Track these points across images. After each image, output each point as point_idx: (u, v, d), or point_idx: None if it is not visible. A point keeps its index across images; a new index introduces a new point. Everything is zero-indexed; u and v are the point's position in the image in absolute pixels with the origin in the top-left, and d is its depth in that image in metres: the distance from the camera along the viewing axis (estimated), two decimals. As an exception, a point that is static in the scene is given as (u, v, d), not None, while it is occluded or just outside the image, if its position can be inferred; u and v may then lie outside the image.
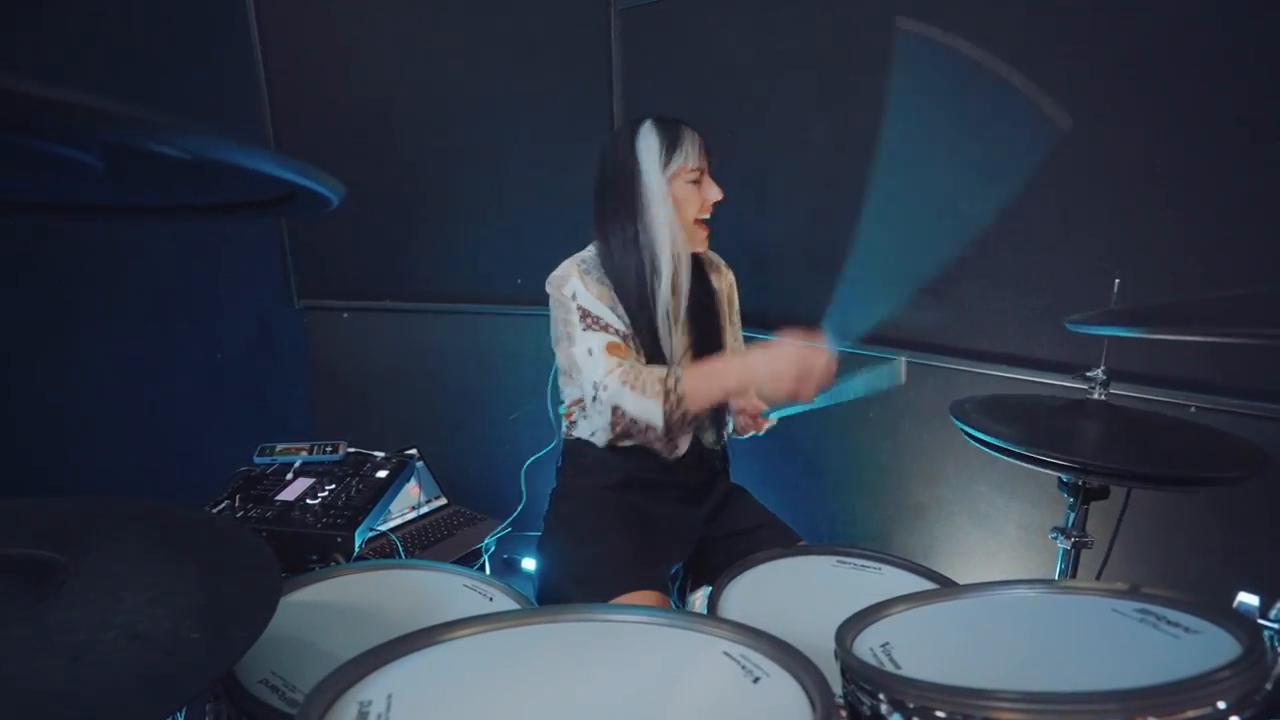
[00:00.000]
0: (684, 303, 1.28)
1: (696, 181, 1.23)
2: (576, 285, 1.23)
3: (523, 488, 1.55)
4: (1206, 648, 0.55)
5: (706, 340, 1.31)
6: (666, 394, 1.11)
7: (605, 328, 1.20)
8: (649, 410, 1.12)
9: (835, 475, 1.91)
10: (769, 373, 1.09)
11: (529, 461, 1.51)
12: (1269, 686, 0.54)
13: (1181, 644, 0.56)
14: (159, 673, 0.57)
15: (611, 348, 1.18)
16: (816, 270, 1.85)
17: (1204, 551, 1.38)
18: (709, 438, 1.32)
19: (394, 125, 2.12)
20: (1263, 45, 1.19)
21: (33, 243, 1.38)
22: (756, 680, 0.55)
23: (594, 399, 1.17)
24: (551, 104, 2.08)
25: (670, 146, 1.22)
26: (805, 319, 1.83)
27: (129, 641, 0.59)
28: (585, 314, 1.21)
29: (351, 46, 2.08)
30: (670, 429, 1.13)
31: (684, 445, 1.29)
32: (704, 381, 1.14)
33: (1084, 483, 1.05)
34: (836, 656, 0.61)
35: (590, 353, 1.18)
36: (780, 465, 1.96)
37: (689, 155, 1.22)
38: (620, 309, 1.23)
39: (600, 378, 1.15)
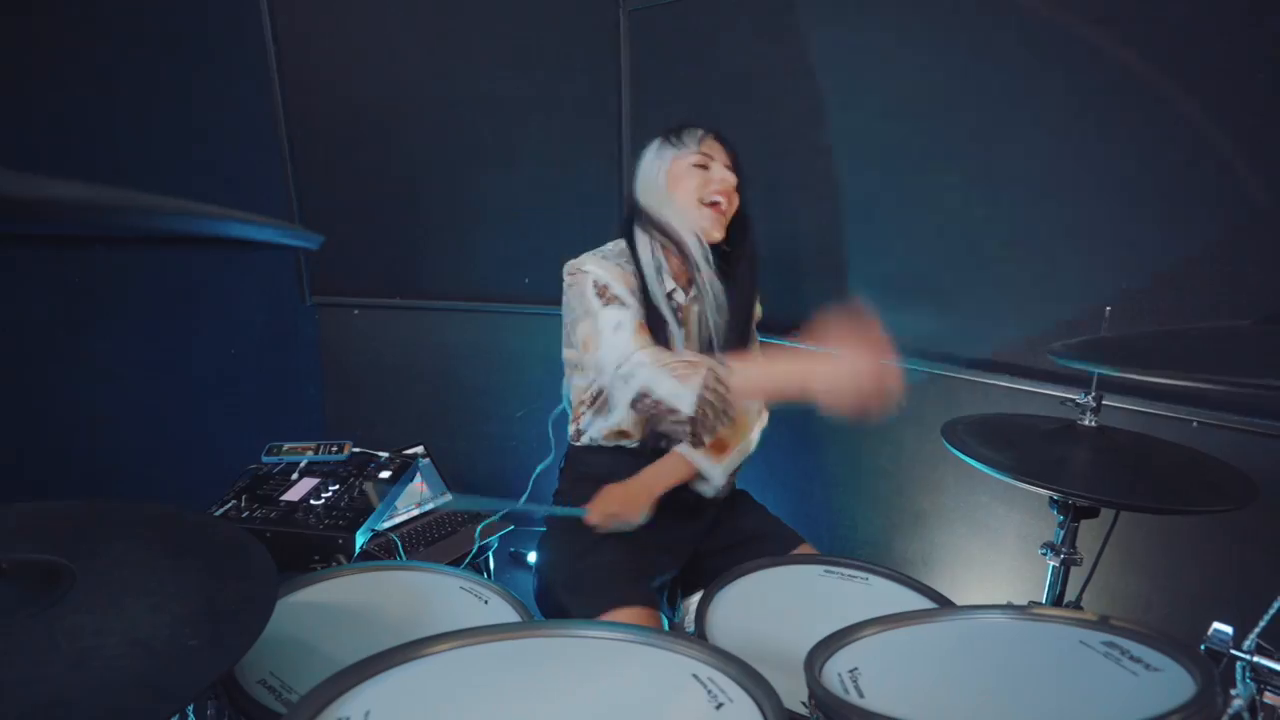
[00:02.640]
0: (700, 304, 1.26)
1: (701, 166, 1.24)
2: (593, 265, 1.21)
3: (529, 488, 1.57)
4: (1164, 687, 0.56)
5: (730, 340, 1.27)
6: (708, 377, 1.03)
7: (626, 305, 1.16)
8: (678, 394, 1.03)
9: (836, 480, 1.92)
10: (829, 384, 0.96)
11: (539, 468, 1.52)
12: (1224, 726, 0.55)
13: (1140, 682, 0.57)
14: (157, 679, 0.60)
15: (640, 327, 1.14)
16: (821, 275, 1.85)
17: (1199, 565, 1.37)
18: (708, 490, 1.30)
19: (405, 125, 2.14)
20: (1269, 56, 1.17)
21: (43, 241, 1.42)
22: (720, 706, 0.57)
23: (620, 376, 1.10)
24: (560, 104, 2.09)
25: (667, 138, 1.27)
26: (803, 322, 1.85)
27: (130, 648, 0.62)
28: (604, 290, 1.17)
29: (363, 48, 2.11)
30: (701, 419, 1.03)
31: (718, 477, 1.28)
32: (755, 373, 1.08)
33: (1073, 502, 1.05)
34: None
35: (618, 327, 1.13)
36: (781, 469, 1.97)
37: (689, 141, 1.25)
38: (640, 296, 1.21)
39: (627, 354, 1.09)
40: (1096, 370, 0.92)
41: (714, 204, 1.24)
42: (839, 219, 1.78)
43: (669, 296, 1.25)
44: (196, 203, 0.34)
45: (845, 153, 1.73)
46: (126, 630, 0.64)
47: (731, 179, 1.26)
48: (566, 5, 2.02)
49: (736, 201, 1.27)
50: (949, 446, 1.08)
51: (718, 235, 1.25)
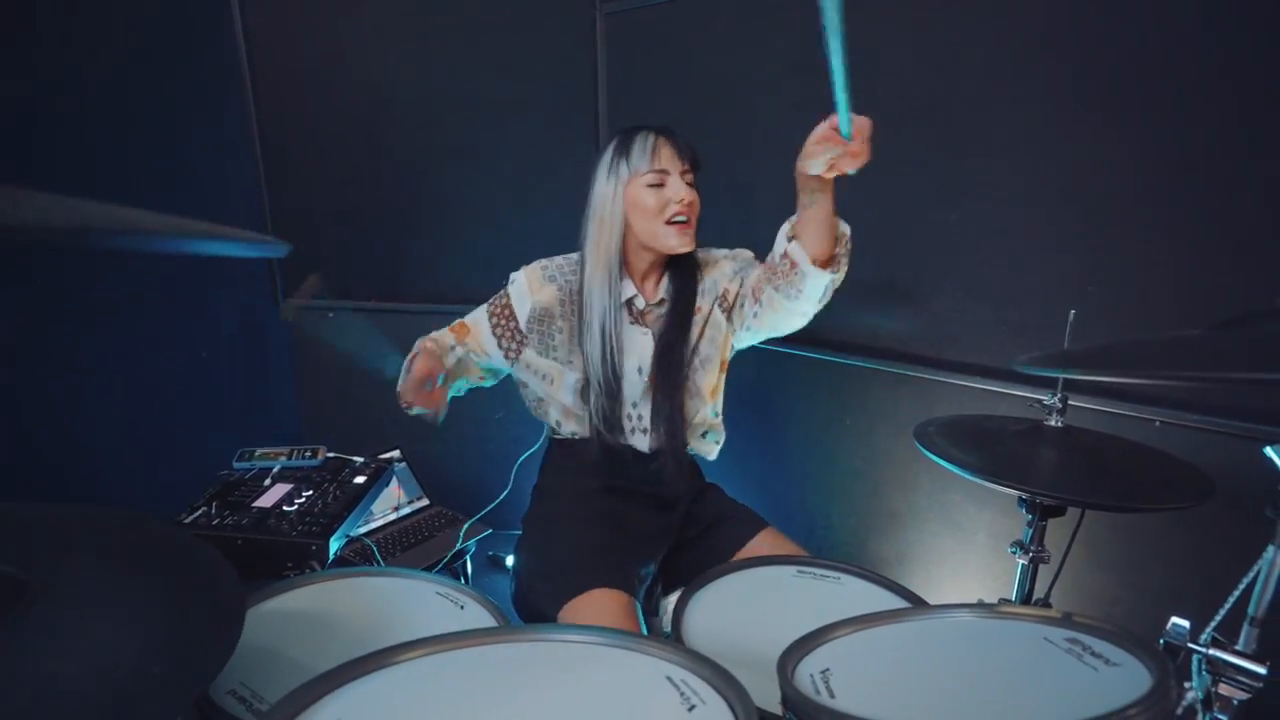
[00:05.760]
0: (663, 306, 1.29)
1: (657, 185, 1.20)
2: (520, 279, 1.29)
3: (510, 480, 1.58)
4: (1122, 682, 0.57)
5: (665, 357, 1.27)
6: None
7: (493, 315, 1.30)
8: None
9: (811, 481, 1.94)
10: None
11: (521, 459, 1.53)
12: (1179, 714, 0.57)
13: (1100, 677, 0.59)
14: (120, 708, 0.58)
15: (459, 329, 1.33)
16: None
17: (1163, 561, 1.41)
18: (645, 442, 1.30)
19: (381, 127, 2.12)
20: (1247, 65, 1.21)
21: (10, 244, 1.39)
22: (692, 708, 0.58)
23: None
24: (537, 106, 2.09)
25: (619, 153, 1.21)
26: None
27: (93, 675, 0.60)
28: (494, 304, 1.31)
29: (336, 49, 2.08)
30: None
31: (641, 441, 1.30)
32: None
33: (1040, 501, 1.08)
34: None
35: (470, 319, 1.33)
36: (756, 470, 1.99)
37: (640, 160, 1.19)
38: (557, 311, 1.27)
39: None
40: (1059, 373, 0.94)
41: (678, 221, 1.21)
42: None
43: (629, 303, 1.27)
44: (154, 216, 0.34)
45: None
46: (88, 656, 0.61)
47: (690, 191, 1.21)
48: (543, 7, 2.01)
49: (699, 205, 1.24)
50: (921, 448, 1.10)
51: (690, 247, 1.24)
